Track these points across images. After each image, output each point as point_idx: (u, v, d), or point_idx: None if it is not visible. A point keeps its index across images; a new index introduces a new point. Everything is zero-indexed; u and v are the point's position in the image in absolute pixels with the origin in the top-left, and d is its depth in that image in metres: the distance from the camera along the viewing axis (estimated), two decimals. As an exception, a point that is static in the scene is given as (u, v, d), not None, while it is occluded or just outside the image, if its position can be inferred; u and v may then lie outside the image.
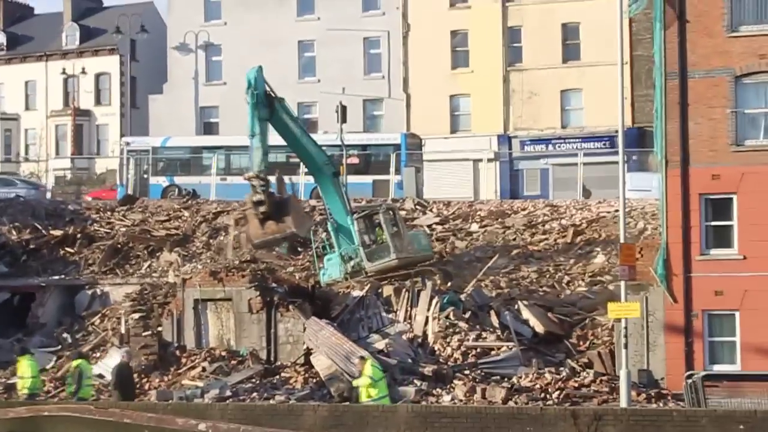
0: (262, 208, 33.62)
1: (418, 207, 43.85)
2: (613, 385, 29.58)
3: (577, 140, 57.83)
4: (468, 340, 31.93)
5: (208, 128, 66.25)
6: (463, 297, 33.98)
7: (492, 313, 33.40)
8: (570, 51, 59.65)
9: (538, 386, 29.75)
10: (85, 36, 74.75)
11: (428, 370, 30.55)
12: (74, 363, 28.74)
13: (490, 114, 60.32)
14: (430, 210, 43.50)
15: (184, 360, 33.40)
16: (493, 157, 60.29)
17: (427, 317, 32.74)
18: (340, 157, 44.92)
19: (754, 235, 29.79)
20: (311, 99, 63.21)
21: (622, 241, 29.93)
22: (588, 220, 40.23)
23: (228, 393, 30.18)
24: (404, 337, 32.44)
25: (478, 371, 30.87)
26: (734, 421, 22.31)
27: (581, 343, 32.56)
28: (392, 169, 49.70)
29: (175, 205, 45.88)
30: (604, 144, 56.14)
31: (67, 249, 41.54)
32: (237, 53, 63.48)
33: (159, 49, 69.38)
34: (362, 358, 27.89)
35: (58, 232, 42.45)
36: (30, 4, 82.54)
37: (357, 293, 34.15)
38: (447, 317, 32.69)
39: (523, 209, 42.76)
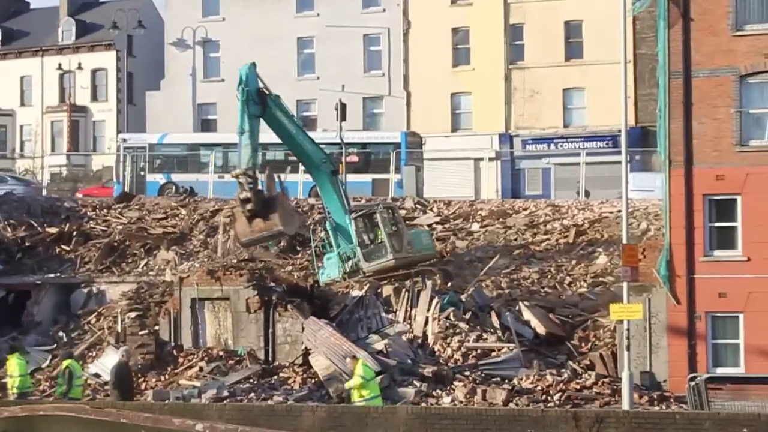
0: (248, 206, 33.20)
1: (418, 206, 43.65)
2: (615, 387, 29.51)
3: (580, 139, 57.52)
4: (468, 341, 31.77)
5: (206, 125, 65.92)
6: (463, 297, 33.80)
7: (493, 313, 33.27)
8: (572, 49, 59.34)
9: (539, 388, 29.63)
10: (81, 31, 74.39)
11: (428, 371, 30.39)
12: (64, 363, 28.61)
13: (491, 112, 60.03)
14: (431, 209, 43.31)
15: (181, 359, 33.29)
16: (494, 156, 60.04)
17: (427, 318, 32.59)
18: (339, 155, 44.69)
19: (759, 237, 29.66)
20: (310, 96, 62.94)
21: (624, 241, 29.92)
22: (590, 221, 40.05)
23: (225, 393, 30.12)
24: (404, 337, 32.29)
25: (479, 372, 30.75)
26: (738, 424, 22.23)
27: (583, 344, 32.44)
28: (392, 167, 49.45)
29: (172, 202, 45.64)
30: (607, 143, 55.97)
31: (63, 247, 41.34)
32: (235, 50, 63.12)
33: (156, 44, 69.05)
34: (354, 357, 27.88)
35: (53, 230, 42.25)
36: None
37: (356, 293, 33.98)
38: (447, 318, 32.53)
39: (525, 209, 42.57)
